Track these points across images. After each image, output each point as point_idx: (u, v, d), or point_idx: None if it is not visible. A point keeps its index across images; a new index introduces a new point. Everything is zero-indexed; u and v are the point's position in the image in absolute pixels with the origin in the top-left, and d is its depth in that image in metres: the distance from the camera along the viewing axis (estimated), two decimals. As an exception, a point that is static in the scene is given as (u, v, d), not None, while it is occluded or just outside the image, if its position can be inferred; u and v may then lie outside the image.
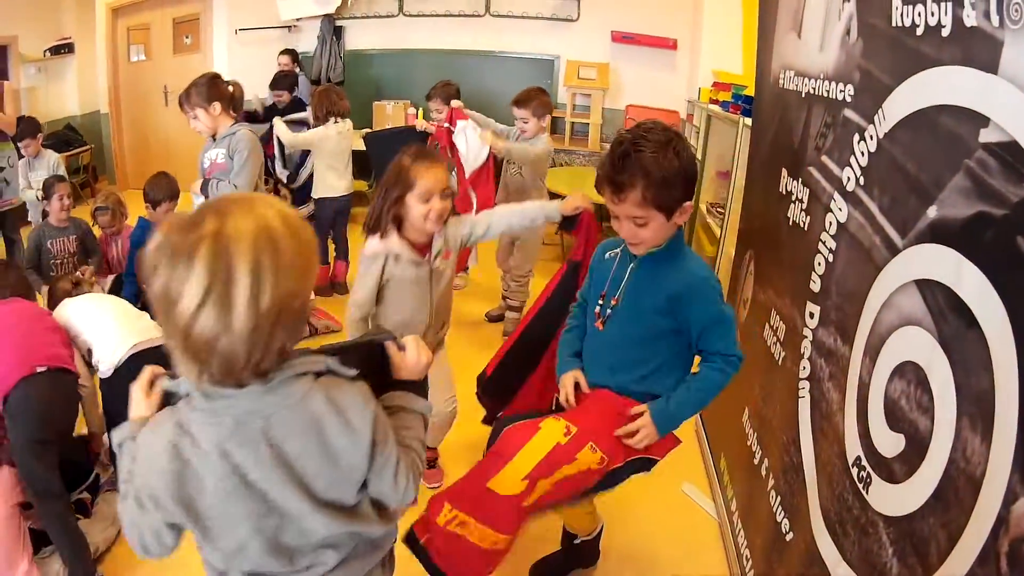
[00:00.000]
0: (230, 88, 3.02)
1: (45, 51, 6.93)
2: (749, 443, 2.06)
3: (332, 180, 4.20)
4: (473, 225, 2.19)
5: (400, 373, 1.18)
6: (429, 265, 2.10)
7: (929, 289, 1.07)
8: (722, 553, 2.22)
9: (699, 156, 4.42)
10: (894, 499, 1.12)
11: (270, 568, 1.05)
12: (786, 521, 1.65)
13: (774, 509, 1.74)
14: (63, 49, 7.05)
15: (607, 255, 1.76)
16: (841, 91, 1.52)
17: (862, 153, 1.39)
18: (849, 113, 1.47)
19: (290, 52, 5.86)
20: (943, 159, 1.05)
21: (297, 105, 4.98)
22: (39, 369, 2.11)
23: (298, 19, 6.81)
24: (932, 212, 1.07)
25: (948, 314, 1.00)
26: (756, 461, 1.97)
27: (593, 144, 6.04)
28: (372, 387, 1.07)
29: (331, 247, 4.46)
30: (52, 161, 4.50)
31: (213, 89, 2.93)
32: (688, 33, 5.80)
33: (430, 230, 2.06)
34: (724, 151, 4.10)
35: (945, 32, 1.04)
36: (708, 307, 1.59)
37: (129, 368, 2.33)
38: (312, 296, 3.50)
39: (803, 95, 1.81)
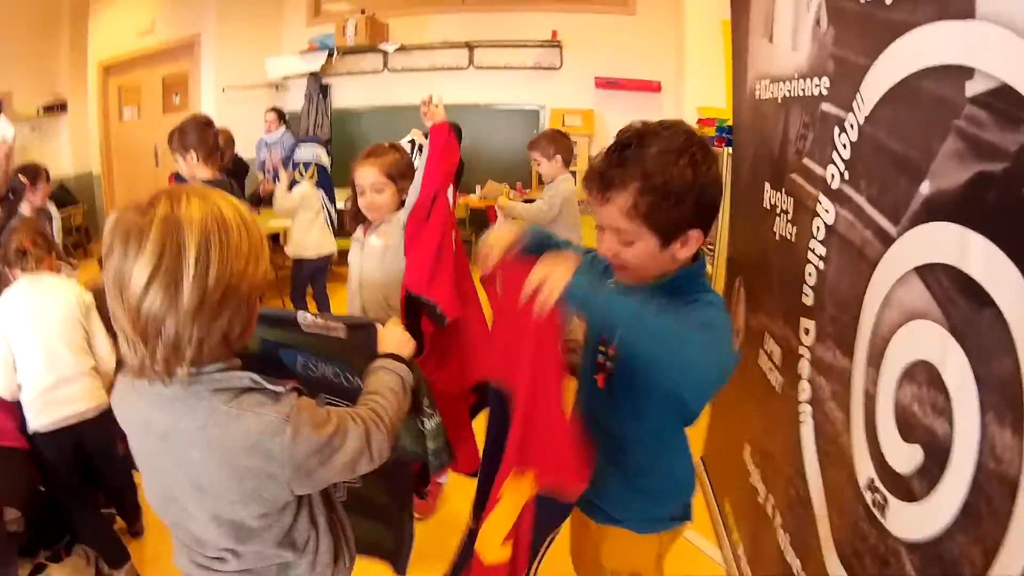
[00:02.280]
0: (216, 137, 2.92)
1: (39, 109, 7.00)
2: (752, 481, 1.89)
3: (312, 239, 4.12)
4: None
5: (382, 345, 1.29)
6: (361, 244, 2.25)
7: (932, 274, 0.93)
8: (732, 603, 2.02)
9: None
10: (915, 520, 0.96)
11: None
12: (796, 561, 1.47)
13: (783, 549, 1.56)
14: (56, 108, 7.13)
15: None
16: (816, 85, 1.42)
17: (844, 146, 1.27)
18: (827, 107, 1.37)
19: (276, 110, 5.88)
20: (929, 128, 0.94)
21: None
22: None
23: (285, 77, 6.92)
24: (925, 188, 0.95)
25: (956, 297, 0.87)
26: (761, 499, 1.79)
27: (579, 192, 5.99)
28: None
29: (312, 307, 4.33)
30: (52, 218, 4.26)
31: (192, 136, 2.83)
32: (672, 74, 5.84)
33: (372, 219, 2.22)
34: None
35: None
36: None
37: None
38: None
39: (779, 100, 1.71)
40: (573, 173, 3.84)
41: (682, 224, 1.15)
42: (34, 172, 4.06)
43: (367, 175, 2.14)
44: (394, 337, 1.31)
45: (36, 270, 2.27)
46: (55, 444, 2.17)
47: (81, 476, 2.31)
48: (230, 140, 4.54)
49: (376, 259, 2.20)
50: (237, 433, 0.95)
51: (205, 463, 0.97)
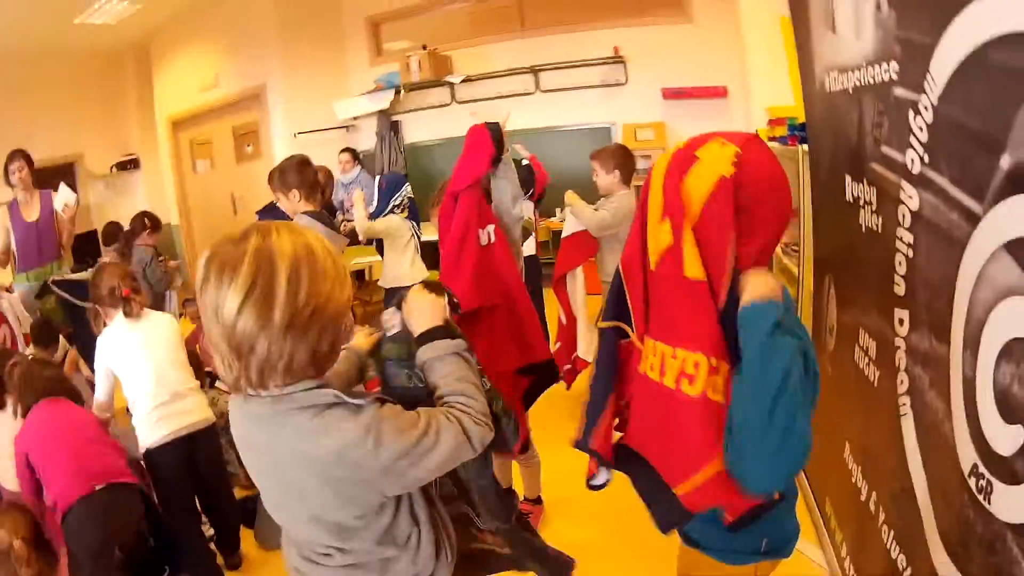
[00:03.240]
0: (316, 174, 3.09)
1: (112, 167, 7.45)
2: (854, 480, 1.83)
3: (404, 269, 4.13)
4: None
5: (410, 323, 1.29)
6: None
7: (1022, 249, 0.91)
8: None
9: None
10: (1021, 502, 0.93)
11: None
12: (902, 557, 1.42)
13: (888, 546, 1.51)
14: (129, 165, 7.57)
15: None
16: (886, 71, 1.40)
17: (920, 128, 1.25)
18: (899, 91, 1.34)
19: (350, 151, 6.07)
20: (1003, 98, 0.91)
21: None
22: (97, 487, 2.12)
23: (355, 117, 7.09)
24: (1005, 162, 0.93)
25: (1049, 268, 0.84)
26: (863, 497, 1.73)
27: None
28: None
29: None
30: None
31: (292, 176, 3.01)
32: (736, 77, 5.75)
33: None
34: (791, 187, 3.92)
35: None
36: None
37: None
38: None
39: (850, 91, 1.69)
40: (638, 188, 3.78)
41: None
42: (155, 221, 4.63)
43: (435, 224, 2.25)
44: (419, 309, 1.30)
45: (139, 314, 2.50)
46: (169, 457, 2.37)
47: (191, 495, 2.48)
48: (329, 176, 4.75)
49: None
50: (324, 447, 1.03)
51: (300, 475, 1.07)
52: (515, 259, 2.17)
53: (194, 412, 2.44)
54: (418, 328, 1.28)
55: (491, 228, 2.05)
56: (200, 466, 2.49)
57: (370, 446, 1.03)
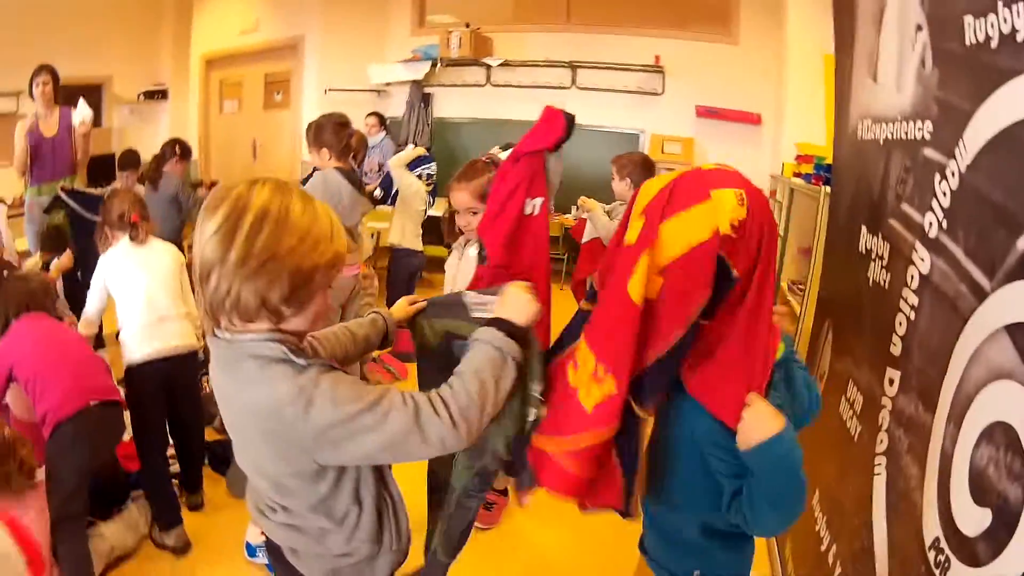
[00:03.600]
0: (350, 137, 3.17)
1: (139, 95, 7.44)
2: (818, 528, 1.83)
3: (410, 232, 4.24)
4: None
5: (498, 308, 1.27)
6: (461, 250, 2.31)
7: (1022, 334, 0.90)
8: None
9: (781, 232, 4.23)
10: (977, 586, 0.92)
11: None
12: (854, 616, 1.42)
13: (841, 603, 1.51)
14: (157, 95, 7.57)
15: None
16: (919, 129, 1.38)
17: (944, 193, 1.23)
18: (928, 152, 1.32)
19: (377, 115, 6.05)
20: (1031, 180, 0.90)
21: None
22: (92, 403, 2.15)
23: (388, 83, 7.09)
24: (1021, 244, 0.92)
25: (1043, 359, 0.83)
26: (823, 548, 1.73)
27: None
28: None
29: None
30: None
31: (328, 135, 3.10)
32: (772, 107, 5.72)
33: (468, 236, 2.29)
34: (807, 226, 3.92)
35: (1021, 36, 0.92)
36: None
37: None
38: (377, 353, 3.64)
39: (881, 143, 1.67)
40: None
41: None
42: (186, 148, 4.80)
43: (460, 199, 2.20)
44: (515, 299, 1.27)
45: (144, 240, 2.58)
46: (149, 374, 2.43)
47: (163, 419, 2.55)
48: (363, 142, 4.77)
49: (472, 268, 2.20)
50: (262, 398, 1.08)
51: (245, 421, 1.14)
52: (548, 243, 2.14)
53: (178, 336, 2.51)
54: (500, 312, 1.26)
55: (539, 201, 2.01)
56: (177, 391, 2.55)
57: (300, 407, 1.05)
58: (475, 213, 2.17)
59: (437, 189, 4.76)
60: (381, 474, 1.26)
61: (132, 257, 2.55)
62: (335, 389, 1.07)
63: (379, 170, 5.44)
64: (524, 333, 1.23)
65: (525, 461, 1.34)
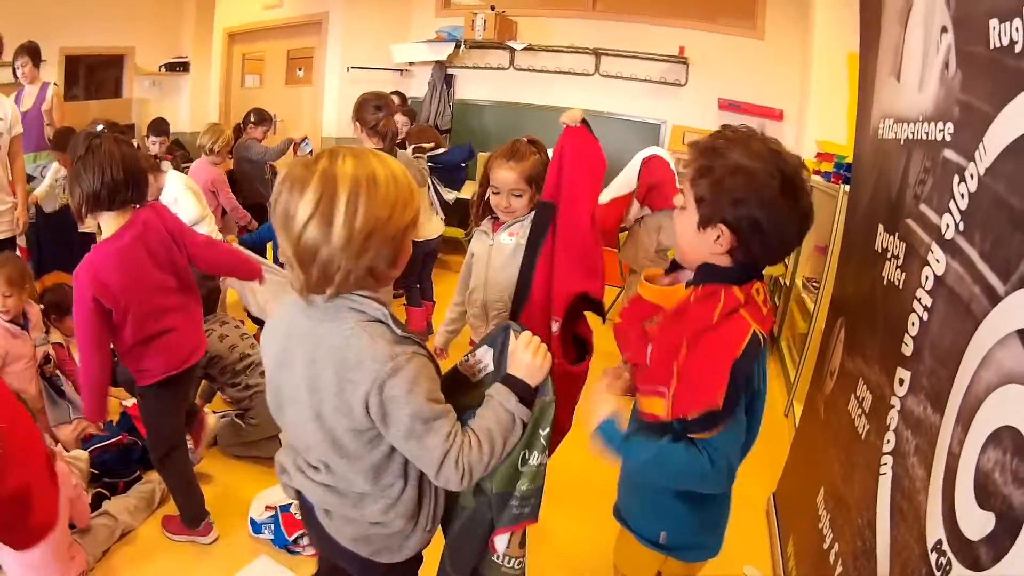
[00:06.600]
0: (380, 121, 3.27)
1: (161, 66, 7.44)
2: (820, 526, 1.83)
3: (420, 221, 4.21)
4: None
5: (511, 365, 1.31)
6: (491, 239, 2.20)
7: (1032, 339, 0.90)
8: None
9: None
10: (976, 589, 0.92)
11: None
12: (853, 614, 1.43)
13: (840, 600, 1.52)
14: (178, 67, 7.57)
15: None
16: (940, 131, 1.37)
17: (962, 195, 1.23)
18: (948, 153, 1.32)
19: (399, 94, 6.04)
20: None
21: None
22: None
23: (411, 63, 7.09)
24: (1038, 249, 0.91)
25: (1053, 365, 0.83)
26: (825, 546, 1.73)
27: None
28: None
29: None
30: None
31: (362, 112, 3.27)
32: (795, 103, 5.66)
33: (505, 219, 2.18)
34: (824, 224, 3.89)
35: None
36: None
37: None
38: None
39: (902, 142, 1.66)
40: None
41: (716, 212, 1.24)
42: (261, 115, 5.39)
43: (508, 179, 2.08)
44: (528, 359, 1.29)
45: None
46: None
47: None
48: (392, 129, 4.82)
49: (506, 257, 2.14)
50: (354, 347, 1.13)
51: (322, 364, 1.16)
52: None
53: None
54: (513, 371, 1.31)
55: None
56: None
57: (386, 371, 1.11)
58: (518, 196, 2.10)
59: (455, 173, 4.77)
60: None
61: None
62: (418, 378, 1.14)
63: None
64: (534, 396, 1.30)
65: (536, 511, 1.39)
